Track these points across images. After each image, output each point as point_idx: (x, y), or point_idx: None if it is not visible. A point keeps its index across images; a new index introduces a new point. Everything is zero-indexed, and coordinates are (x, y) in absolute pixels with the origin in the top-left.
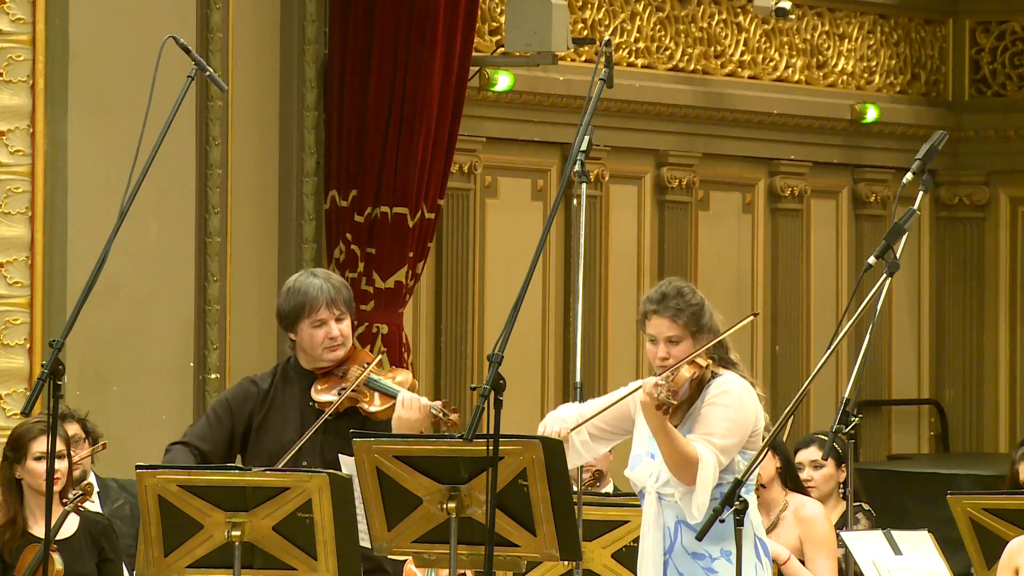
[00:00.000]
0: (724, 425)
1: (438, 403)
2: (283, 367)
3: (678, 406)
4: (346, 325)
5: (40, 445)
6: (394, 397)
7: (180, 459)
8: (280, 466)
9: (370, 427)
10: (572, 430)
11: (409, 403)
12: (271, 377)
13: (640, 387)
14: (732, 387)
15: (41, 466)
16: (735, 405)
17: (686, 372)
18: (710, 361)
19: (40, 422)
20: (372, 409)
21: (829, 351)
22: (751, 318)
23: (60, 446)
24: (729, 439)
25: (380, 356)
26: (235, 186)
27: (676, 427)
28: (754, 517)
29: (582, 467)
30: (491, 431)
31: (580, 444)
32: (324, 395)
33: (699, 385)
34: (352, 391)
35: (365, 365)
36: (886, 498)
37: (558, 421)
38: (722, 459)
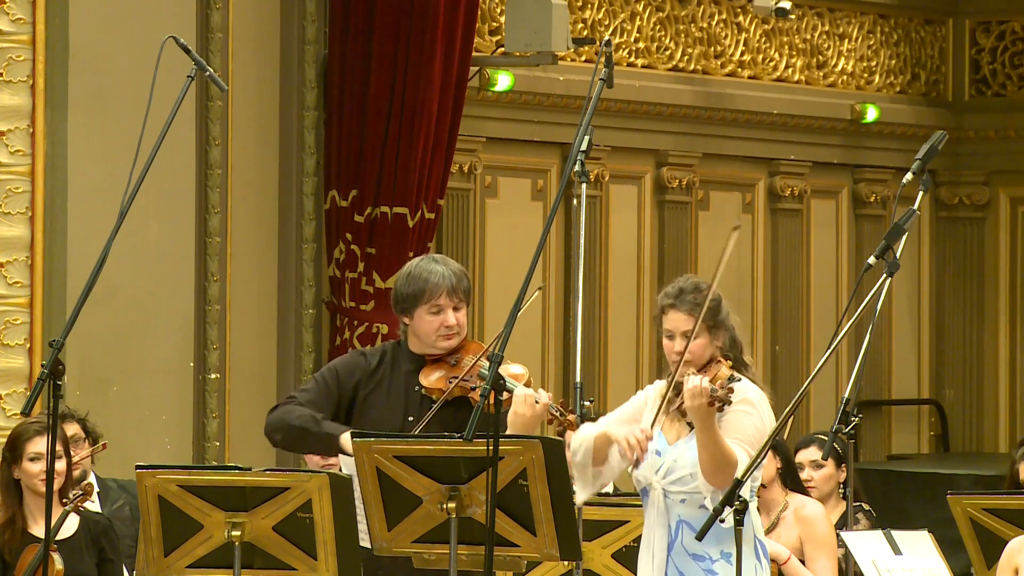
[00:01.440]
0: (752, 433)
1: (550, 399)
2: (392, 348)
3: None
4: (463, 314)
5: (34, 446)
6: (509, 391)
7: (298, 415)
8: None
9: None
10: (653, 423)
11: (526, 400)
12: (380, 355)
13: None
14: (752, 395)
15: (35, 466)
16: (759, 414)
17: (725, 370)
18: (730, 363)
19: (36, 422)
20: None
21: (829, 351)
22: (735, 232)
23: (57, 446)
24: (755, 447)
25: (489, 348)
26: (235, 186)
27: (690, 429)
28: (754, 518)
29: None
30: (491, 431)
31: (615, 463)
32: (434, 382)
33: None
34: (463, 380)
35: (477, 356)
36: (886, 498)
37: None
38: None
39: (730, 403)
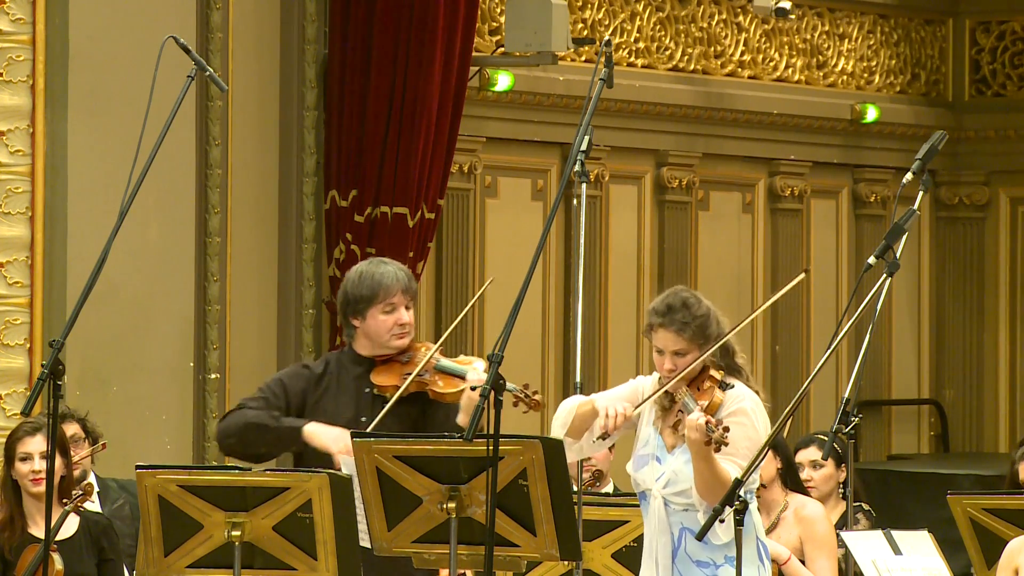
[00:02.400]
0: (745, 445)
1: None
2: (336, 356)
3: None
4: (411, 315)
5: (24, 446)
6: (462, 378)
7: (254, 415)
8: None
9: (439, 411)
10: (637, 408)
11: (480, 381)
12: (324, 363)
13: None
14: (746, 404)
15: (25, 467)
16: (752, 424)
17: (719, 397)
18: (721, 373)
19: (28, 423)
20: (441, 391)
21: (829, 351)
22: (803, 275)
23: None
24: (749, 458)
25: (441, 342)
26: (235, 186)
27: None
28: (755, 519)
29: (581, 467)
30: (491, 431)
31: (584, 440)
32: (387, 380)
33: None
34: (419, 374)
35: (429, 349)
36: (886, 498)
37: (619, 402)
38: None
39: (726, 444)
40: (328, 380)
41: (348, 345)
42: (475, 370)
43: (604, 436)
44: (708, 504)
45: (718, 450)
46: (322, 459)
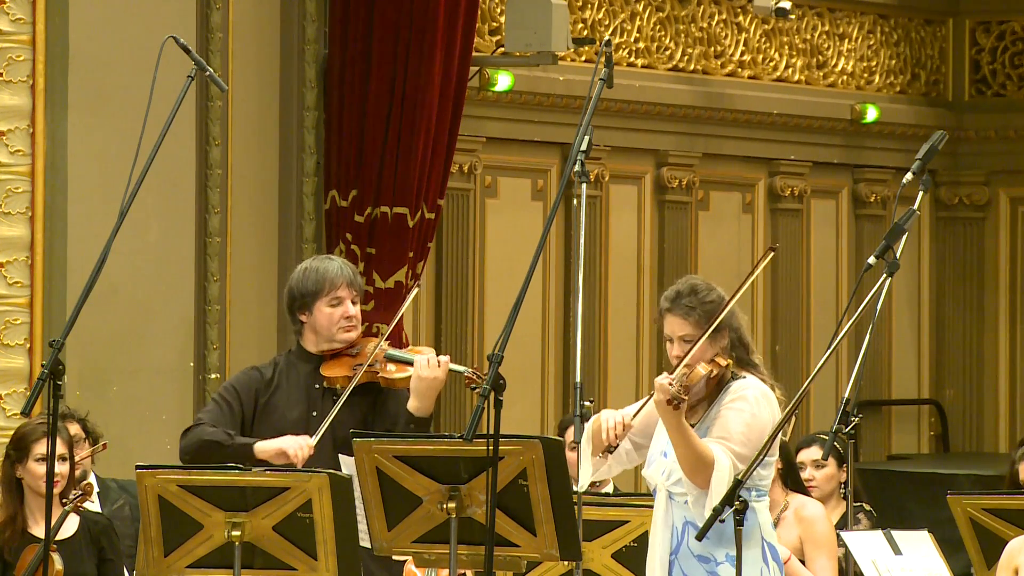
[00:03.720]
0: (741, 431)
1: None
2: (286, 355)
3: (696, 405)
4: (358, 309)
5: (43, 447)
6: (411, 364)
7: (210, 432)
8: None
9: (389, 400)
10: (635, 416)
11: (428, 363)
12: (273, 365)
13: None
14: (749, 393)
15: (42, 468)
16: (751, 412)
17: (702, 370)
18: (730, 361)
19: (43, 423)
20: (392, 376)
21: (829, 351)
22: (771, 255)
23: (63, 449)
24: (747, 447)
25: (389, 331)
26: (235, 186)
27: (693, 427)
28: (763, 520)
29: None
30: (491, 431)
31: (625, 453)
32: (338, 371)
33: (718, 385)
34: (370, 364)
35: (378, 343)
36: (886, 498)
37: (618, 414)
38: (738, 465)
39: (683, 401)
40: (278, 379)
41: (296, 344)
42: (424, 355)
43: (610, 449)
44: (697, 488)
45: (677, 407)
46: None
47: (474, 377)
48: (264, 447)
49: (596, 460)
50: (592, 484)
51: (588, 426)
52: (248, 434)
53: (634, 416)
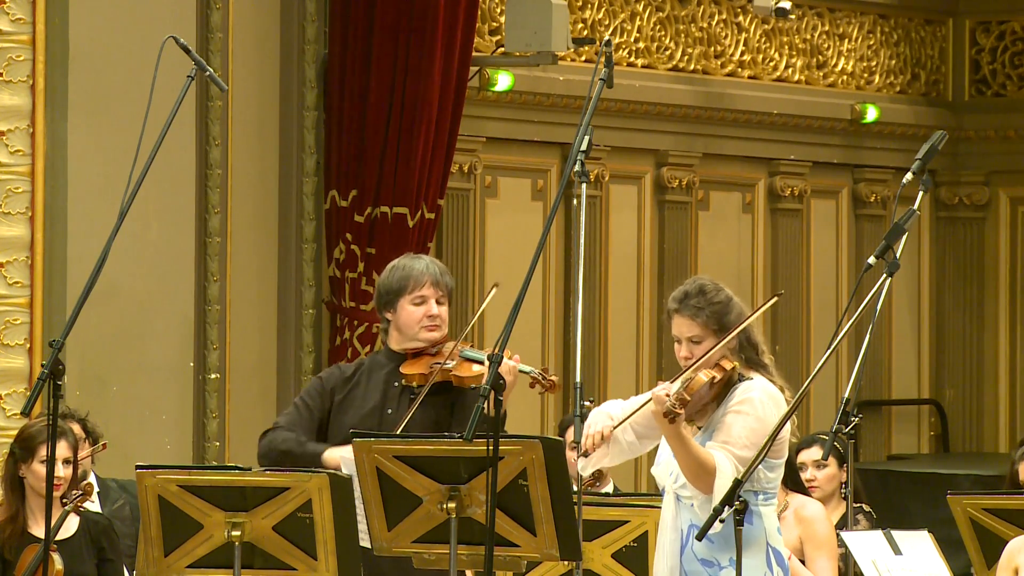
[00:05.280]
0: (745, 435)
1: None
2: (371, 357)
3: (703, 408)
4: (445, 310)
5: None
6: (482, 363)
7: (283, 439)
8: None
9: (466, 399)
10: (617, 427)
11: (509, 369)
12: (357, 364)
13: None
14: (755, 395)
15: (45, 470)
16: (756, 415)
17: (704, 376)
18: (736, 364)
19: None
20: (461, 375)
21: (829, 351)
22: (774, 299)
23: (67, 452)
24: (750, 450)
25: (467, 331)
26: (235, 186)
27: (699, 430)
28: (770, 525)
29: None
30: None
31: (627, 444)
32: (415, 369)
33: (725, 387)
34: (446, 363)
35: (455, 343)
36: (886, 498)
37: (605, 417)
38: (741, 470)
39: (678, 416)
40: (359, 377)
41: (384, 344)
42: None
43: (585, 454)
44: (700, 492)
45: (672, 421)
46: None
47: (539, 379)
48: (331, 456)
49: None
50: (593, 480)
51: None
52: (326, 430)
53: (618, 424)
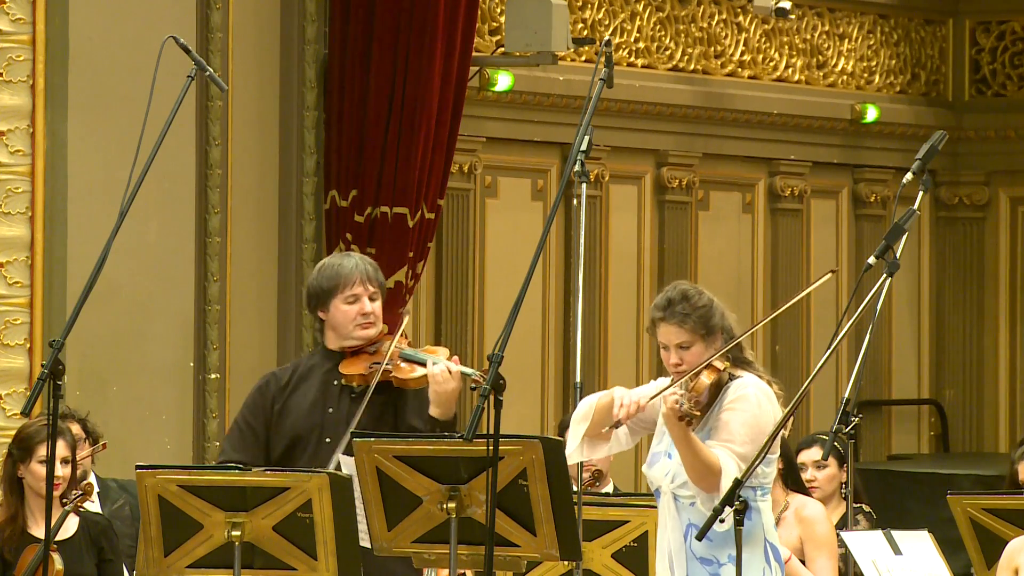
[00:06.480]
0: (744, 432)
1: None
2: (307, 357)
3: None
4: (378, 305)
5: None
6: (423, 364)
7: None
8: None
9: (407, 400)
10: (652, 399)
11: (441, 375)
12: (292, 368)
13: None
14: (749, 391)
15: (44, 470)
16: (753, 411)
17: (706, 379)
18: (727, 363)
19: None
20: (403, 377)
21: (829, 351)
22: (828, 276)
23: (66, 452)
24: (749, 446)
25: (403, 328)
26: (235, 186)
27: (695, 431)
28: (766, 520)
29: (581, 467)
30: (491, 431)
31: (622, 434)
32: (354, 370)
33: (717, 388)
34: (386, 364)
35: (392, 341)
36: (886, 498)
37: (632, 393)
38: (742, 466)
39: (696, 417)
40: (295, 381)
41: (319, 343)
42: (438, 356)
43: (617, 424)
44: (704, 492)
45: (689, 424)
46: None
47: (479, 379)
48: None
49: (595, 439)
50: (593, 480)
51: (588, 402)
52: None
53: (648, 400)
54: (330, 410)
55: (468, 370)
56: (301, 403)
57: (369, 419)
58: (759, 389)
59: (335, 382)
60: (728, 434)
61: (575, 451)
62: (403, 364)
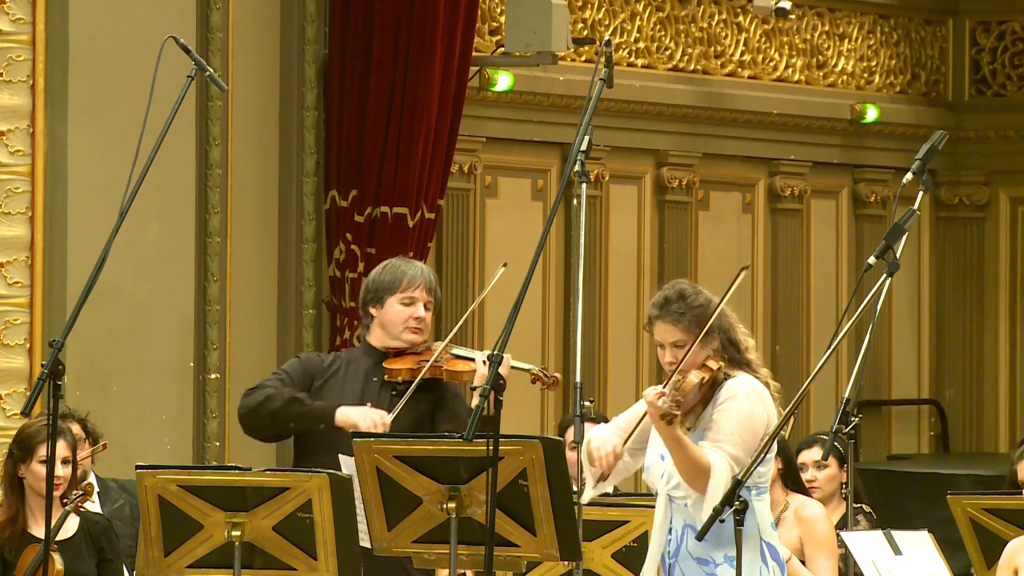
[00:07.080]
0: (734, 431)
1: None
2: (349, 350)
3: (691, 410)
4: (430, 316)
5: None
6: (474, 360)
7: (287, 391)
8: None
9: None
10: (627, 439)
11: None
12: (335, 356)
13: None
14: (741, 391)
15: (44, 470)
16: (744, 411)
17: (694, 378)
18: (721, 364)
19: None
20: (457, 370)
21: (829, 351)
22: (742, 274)
23: (66, 452)
24: (741, 447)
25: (456, 330)
26: (235, 186)
27: (688, 431)
28: (763, 520)
29: (582, 467)
30: (491, 431)
31: (622, 464)
32: (401, 365)
33: (712, 388)
34: (436, 360)
35: (443, 344)
36: (886, 498)
37: (608, 441)
38: (735, 467)
39: (675, 416)
40: (336, 368)
41: (363, 339)
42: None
43: (603, 478)
44: (696, 492)
45: (671, 423)
46: (323, 459)
47: (540, 375)
48: (346, 413)
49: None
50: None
51: (583, 449)
52: None
53: (625, 442)
54: (368, 405)
55: (523, 365)
56: (340, 391)
57: (408, 417)
58: (752, 389)
59: (375, 378)
60: (720, 434)
61: (588, 493)
62: (453, 360)
